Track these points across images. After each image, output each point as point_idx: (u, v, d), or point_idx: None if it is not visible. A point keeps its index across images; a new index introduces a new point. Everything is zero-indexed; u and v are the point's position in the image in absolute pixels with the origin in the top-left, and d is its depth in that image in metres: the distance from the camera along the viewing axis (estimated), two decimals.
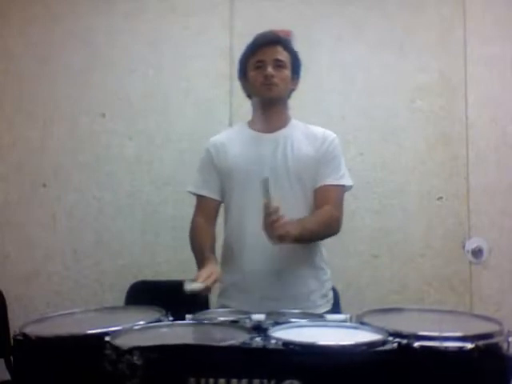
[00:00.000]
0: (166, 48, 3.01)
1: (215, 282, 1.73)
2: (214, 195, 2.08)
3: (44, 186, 2.97)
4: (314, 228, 1.92)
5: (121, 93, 3.00)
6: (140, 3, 3.02)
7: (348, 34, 3.01)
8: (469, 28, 2.98)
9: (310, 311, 1.74)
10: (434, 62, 3.00)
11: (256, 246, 1.92)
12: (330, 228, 1.99)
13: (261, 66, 1.99)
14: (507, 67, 2.97)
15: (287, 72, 2.03)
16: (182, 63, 3.01)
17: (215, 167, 2.07)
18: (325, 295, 2.06)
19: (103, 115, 2.99)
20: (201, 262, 1.87)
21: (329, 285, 2.10)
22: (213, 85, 2.94)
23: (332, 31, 3.01)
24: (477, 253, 2.92)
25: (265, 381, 1.08)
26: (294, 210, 1.96)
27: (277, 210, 1.69)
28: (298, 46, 2.86)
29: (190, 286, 1.59)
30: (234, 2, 3.00)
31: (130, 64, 3.01)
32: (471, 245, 2.93)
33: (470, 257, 2.93)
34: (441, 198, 2.96)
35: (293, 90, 2.11)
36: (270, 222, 1.69)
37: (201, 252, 1.93)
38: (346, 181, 2.06)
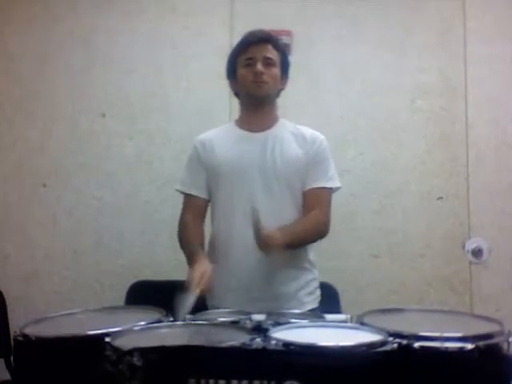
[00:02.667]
0: (166, 48, 3.01)
1: (210, 281, 1.74)
2: (201, 194, 2.07)
3: (44, 186, 2.97)
4: (299, 236, 1.94)
5: (121, 93, 3.00)
6: (140, 3, 3.02)
7: (348, 34, 3.01)
8: (469, 28, 2.98)
9: (298, 310, 1.78)
10: (434, 62, 3.00)
11: (242, 246, 1.92)
12: (317, 234, 2.01)
13: (250, 63, 1.99)
14: (507, 67, 2.97)
15: (276, 70, 2.03)
16: (182, 63, 3.01)
17: (202, 164, 2.07)
18: (311, 293, 2.07)
19: (103, 115, 2.99)
20: (191, 259, 1.88)
21: (315, 283, 2.10)
22: (213, 85, 2.94)
23: (332, 31, 3.01)
24: (477, 253, 2.92)
25: (265, 382, 1.08)
26: (282, 210, 1.99)
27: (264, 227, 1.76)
28: (297, 45, 2.90)
29: (182, 314, 1.55)
30: (234, 2, 3.00)
31: (130, 64, 3.00)
32: (471, 245, 2.93)
33: (470, 257, 2.93)
34: (441, 198, 2.96)
35: (282, 89, 2.11)
36: (261, 236, 1.75)
37: (190, 249, 1.94)
38: (334, 183, 2.07)
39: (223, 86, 2.76)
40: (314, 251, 2.10)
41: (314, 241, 2.02)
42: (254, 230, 1.75)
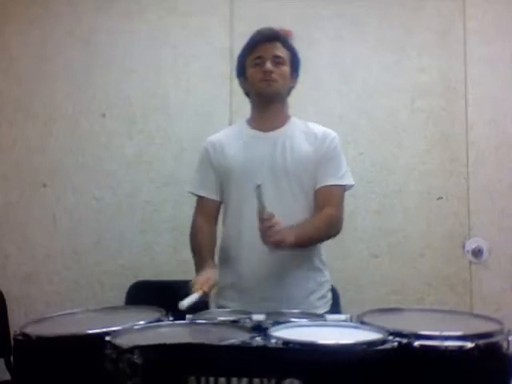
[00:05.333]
0: (166, 48, 3.01)
1: (212, 286, 1.74)
2: (212, 195, 2.07)
3: (44, 186, 2.97)
4: (312, 233, 1.92)
5: (121, 93, 3.00)
6: (140, 3, 3.02)
7: (348, 34, 3.02)
8: (469, 28, 2.98)
9: (309, 311, 1.75)
10: (434, 62, 3.00)
11: (253, 247, 1.89)
12: (330, 231, 1.99)
13: (259, 62, 1.98)
14: (507, 67, 2.97)
15: (286, 68, 2.02)
16: (182, 63, 3.01)
17: (213, 166, 2.06)
18: (323, 296, 2.05)
19: (103, 115, 2.99)
20: (198, 266, 1.88)
21: (327, 286, 2.08)
22: (213, 85, 2.94)
23: (332, 31, 3.01)
24: (477, 253, 2.92)
25: (265, 380, 1.08)
26: (293, 210, 1.96)
27: (271, 217, 1.71)
28: (297, 45, 2.88)
29: (185, 303, 1.57)
30: (234, 2, 3.01)
31: (130, 64, 3.01)
32: (471, 245, 2.93)
33: (470, 257, 2.93)
34: (441, 198, 2.96)
35: (292, 87, 2.10)
36: (265, 229, 1.72)
37: (199, 255, 1.93)
38: (347, 180, 2.05)
39: (223, 85, 2.78)
40: (324, 250, 2.08)
41: (326, 238, 1.99)
42: (259, 217, 1.72)
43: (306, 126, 2.08)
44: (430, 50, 3.01)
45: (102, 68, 3.01)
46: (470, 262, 2.94)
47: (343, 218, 2.03)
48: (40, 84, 3.00)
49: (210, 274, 1.78)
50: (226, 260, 2.04)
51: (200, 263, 1.89)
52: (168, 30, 3.02)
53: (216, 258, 2.02)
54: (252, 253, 1.93)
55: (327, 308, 2.04)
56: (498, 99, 2.98)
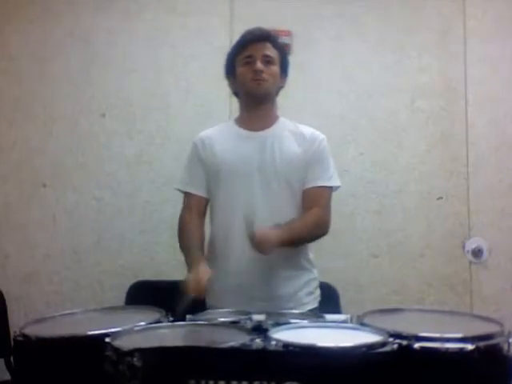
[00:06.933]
0: (166, 48, 3.01)
1: (205, 286, 1.75)
2: (200, 192, 2.07)
3: (44, 186, 2.96)
4: (299, 233, 1.93)
5: (120, 93, 3.00)
6: (139, 3, 3.02)
7: (348, 34, 3.01)
8: (469, 27, 2.98)
9: (298, 310, 1.79)
10: (434, 62, 3.00)
11: (241, 247, 1.90)
12: (318, 231, 2.00)
13: (250, 61, 1.99)
14: (507, 67, 2.97)
15: (276, 68, 2.02)
16: (181, 63, 3.01)
17: (202, 163, 2.06)
18: (311, 293, 2.06)
19: (103, 115, 2.99)
20: (189, 263, 1.87)
21: (315, 283, 2.10)
22: (213, 85, 2.93)
23: (332, 31, 3.01)
24: (477, 253, 2.92)
25: (264, 382, 1.08)
26: (281, 209, 1.98)
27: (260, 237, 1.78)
28: (297, 45, 2.90)
29: (180, 311, 1.58)
30: (234, 2, 3.00)
31: (129, 64, 3.00)
32: (471, 245, 2.93)
33: (470, 257, 2.93)
34: (441, 198, 2.96)
35: (281, 87, 2.10)
36: (256, 245, 1.78)
37: (189, 252, 1.93)
38: (335, 182, 2.06)
39: (223, 86, 2.76)
40: (312, 251, 2.09)
41: (314, 238, 2.00)
42: (248, 234, 1.77)
43: (295, 127, 2.09)
44: (430, 49, 3.00)
45: (102, 68, 3.01)
46: (470, 262, 2.94)
47: (330, 220, 2.03)
48: (40, 84, 2.99)
49: (202, 273, 1.78)
50: (214, 259, 2.03)
51: (190, 260, 1.88)
52: (167, 30, 3.02)
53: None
54: (240, 253, 1.94)
55: (316, 304, 2.06)
56: (498, 99, 2.97)
